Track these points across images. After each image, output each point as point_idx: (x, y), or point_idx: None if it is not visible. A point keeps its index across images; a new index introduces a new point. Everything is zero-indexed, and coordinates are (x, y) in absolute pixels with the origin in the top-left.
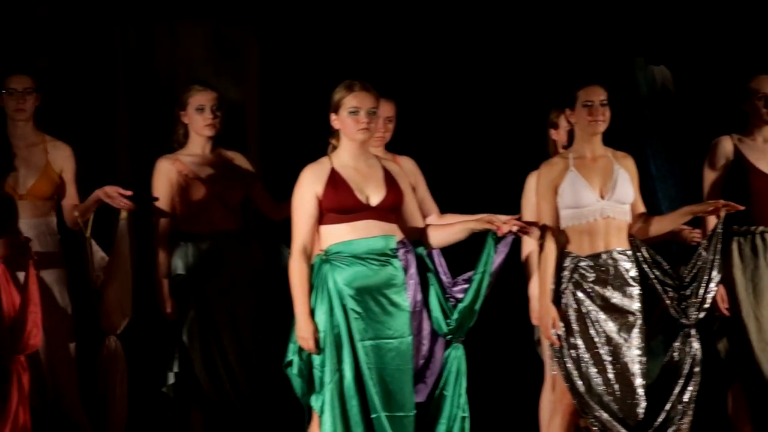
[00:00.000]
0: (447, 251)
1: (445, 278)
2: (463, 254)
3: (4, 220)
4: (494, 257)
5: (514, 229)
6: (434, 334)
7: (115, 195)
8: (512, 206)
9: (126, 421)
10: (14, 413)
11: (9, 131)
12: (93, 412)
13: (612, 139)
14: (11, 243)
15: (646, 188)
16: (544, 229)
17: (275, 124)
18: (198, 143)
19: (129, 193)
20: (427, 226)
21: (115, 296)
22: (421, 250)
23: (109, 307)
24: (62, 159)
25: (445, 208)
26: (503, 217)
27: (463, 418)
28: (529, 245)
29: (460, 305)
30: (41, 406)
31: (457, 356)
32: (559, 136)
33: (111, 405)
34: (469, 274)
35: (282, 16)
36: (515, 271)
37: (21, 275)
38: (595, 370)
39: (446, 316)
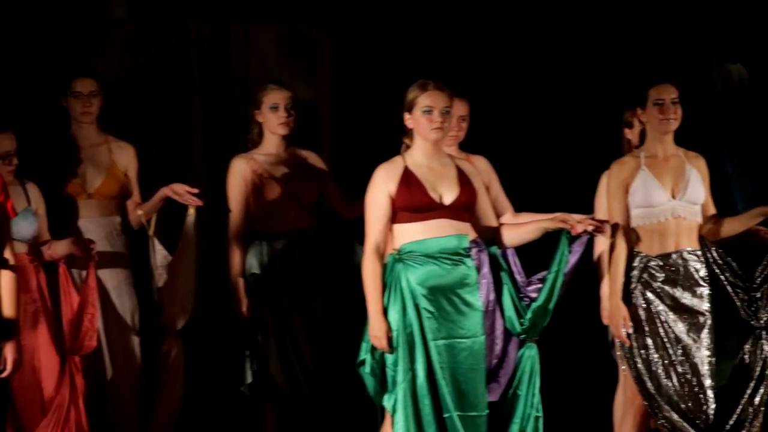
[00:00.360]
0: (521, 250)
1: (520, 277)
2: (538, 253)
3: (67, 221)
4: (568, 257)
5: (589, 228)
6: (507, 334)
7: (182, 192)
8: (586, 205)
9: (176, 420)
10: (66, 412)
11: (74, 132)
12: (145, 409)
13: (688, 139)
14: (75, 244)
15: (722, 188)
16: (614, 228)
17: (348, 123)
18: (272, 142)
19: (196, 190)
20: (501, 225)
21: (178, 292)
22: (494, 249)
23: (170, 303)
24: (127, 159)
25: (519, 207)
26: (577, 216)
27: (537, 417)
28: (602, 245)
29: (534, 304)
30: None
31: (530, 356)
32: (633, 135)
33: (169, 401)
34: (544, 273)
35: (355, 15)
36: (589, 270)
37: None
38: (665, 370)
39: (520, 315)
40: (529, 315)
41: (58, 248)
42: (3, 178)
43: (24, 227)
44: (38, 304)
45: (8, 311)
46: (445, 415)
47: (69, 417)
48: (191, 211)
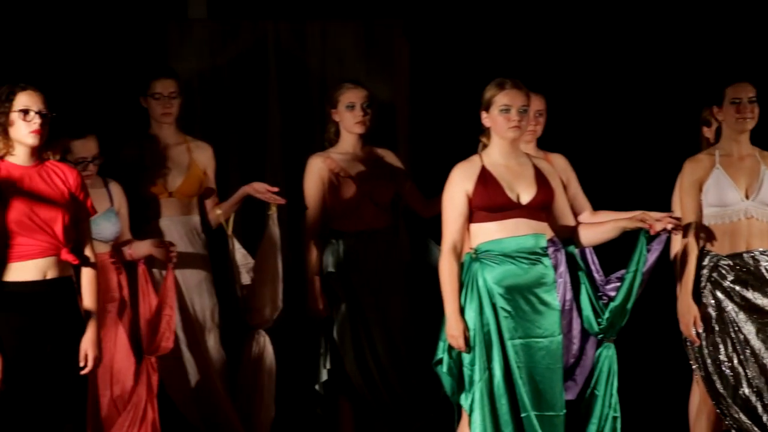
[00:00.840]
0: (599, 249)
1: (598, 276)
2: (616, 252)
3: (147, 220)
4: (647, 255)
5: (668, 226)
6: (584, 333)
7: (263, 190)
8: (664, 203)
9: (273, 417)
10: (143, 412)
11: (154, 132)
12: (239, 409)
13: (765, 139)
14: (155, 246)
15: None
16: (687, 227)
17: (425, 121)
18: (349, 141)
19: (276, 189)
20: (579, 224)
21: (266, 289)
22: (571, 248)
23: (260, 301)
24: (205, 158)
25: (597, 206)
26: (656, 215)
27: (615, 418)
28: (679, 244)
29: (612, 304)
30: (184, 406)
31: (608, 355)
32: (711, 133)
33: (259, 402)
34: (622, 272)
35: (432, 13)
36: (666, 270)
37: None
38: (734, 371)
39: (597, 314)
40: (606, 314)
41: (139, 249)
42: (83, 177)
43: (106, 227)
44: (118, 303)
45: (89, 308)
46: (523, 415)
47: (146, 417)
48: (273, 209)
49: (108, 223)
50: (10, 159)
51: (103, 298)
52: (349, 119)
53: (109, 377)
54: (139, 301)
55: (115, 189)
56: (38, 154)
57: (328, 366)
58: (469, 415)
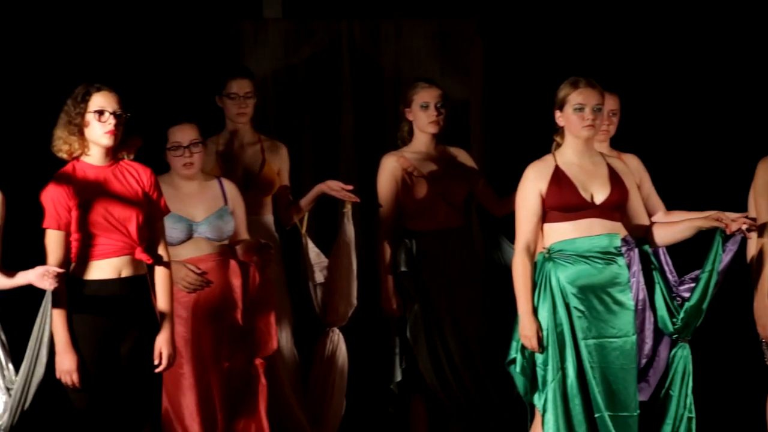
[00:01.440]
0: (673, 249)
1: (672, 277)
2: (691, 252)
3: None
4: (722, 256)
5: (743, 227)
6: (657, 333)
7: (338, 188)
8: (740, 203)
9: (343, 415)
10: (253, 416)
11: (228, 131)
12: (310, 407)
13: None
14: (256, 246)
15: None
16: (762, 227)
17: (499, 120)
18: (422, 140)
19: (350, 187)
20: (653, 224)
21: (341, 287)
22: (646, 248)
23: (334, 299)
24: (279, 158)
25: (670, 206)
26: (732, 215)
27: (690, 419)
28: (755, 244)
29: (687, 304)
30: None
31: (683, 356)
32: None
33: (329, 400)
34: (697, 272)
35: (506, 11)
36: (742, 270)
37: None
38: None
39: (672, 315)
40: (681, 315)
41: (245, 250)
42: (156, 176)
43: (218, 226)
44: (226, 304)
45: (163, 307)
46: (596, 415)
47: (254, 418)
48: (348, 207)
49: (220, 221)
50: (85, 159)
51: (217, 299)
52: (423, 118)
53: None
54: (244, 302)
55: (229, 188)
56: (113, 153)
57: (402, 365)
58: (542, 415)
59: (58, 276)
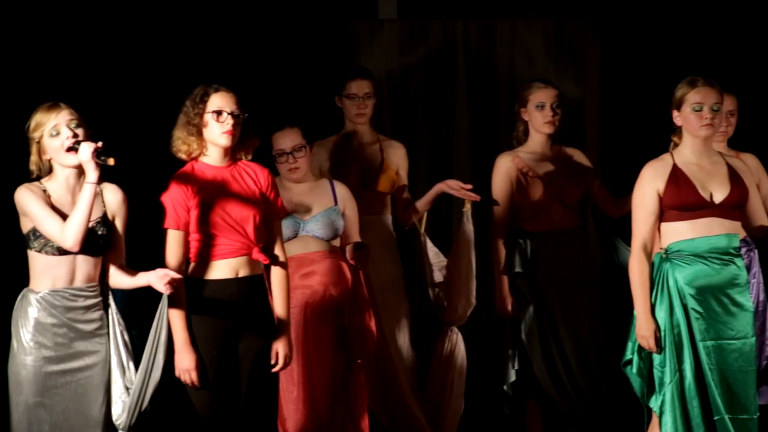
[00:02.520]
0: None
1: None
2: None
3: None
4: None
5: None
6: None
7: (458, 187)
8: None
9: (462, 415)
10: (353, 417)
11: (347, 131)
12: (429, 407)
13: None
14: (354, 245)
15: None
16: None
17: (615, 120)
18: (538, 140)
19: (470, 186)
20: None
21: (460, 286)
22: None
23: (453, 298)
24: (398, 158)
25: None
26: None
27: None
28: None
29: None
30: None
31: None
32: None
33: (448, 399)
34: None
35: (622, 11)
36: None
37: None
38: None
39: None
40: None
41: (348, 251)
42: (274, 177)
43: (326, 224)
44: (333, 303)
45: (280, 307)
46: (716, 418)
47: (355, 419)
48: (467, 206)
49: (328, 220)
50: (203, 159)
51: (324, 297)
52: (539, 119)
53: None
54: (348, 303)
55: (340, 190)
56: (231, 154)
57: (516, 366)
58: (659, 418)
59: (176, 281)
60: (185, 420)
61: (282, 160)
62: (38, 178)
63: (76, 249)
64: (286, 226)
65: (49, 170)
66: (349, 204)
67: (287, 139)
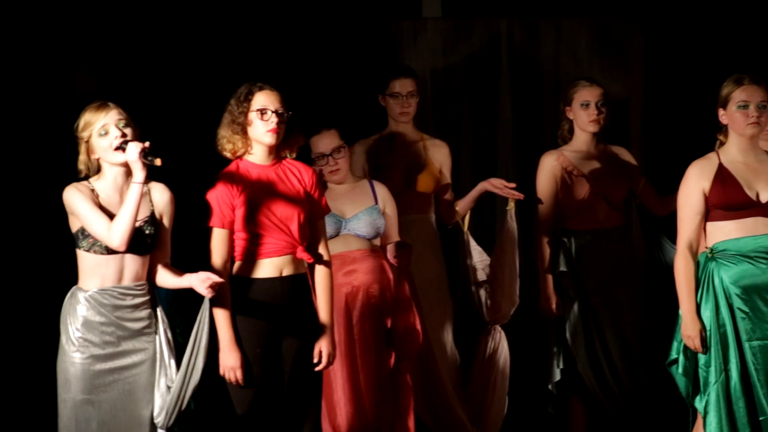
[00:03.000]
0: None
1: None
2: None
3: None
4: None
5: None
6: None
7: (501, 186)
8: None
9: (505, 414)
10: (399, 417)
11: (391, 130)
12: (472, 405)
13: None
14: (396, 245)
15: None
16: None
17: (660, 119)
18: (582, 139)
19: (513, 185)
20: None
21: (504, 285)
22: None
23: (497, 297)
24: (441, 156)
25: None
26: None
27: None
28: None
29: None
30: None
31: None
32: None
33: (491, 398)
34: None
35: (667, 10)
36: None
37: None
38: None
39: None
40: None
41: (390, 250)
42: (318, 176)
43: (367, 223)
44: (376, 302)
45: (322, 306)
46: (761, 418)
47: (401, 419)
48: (511, 205)
49: (370, 218)
50: (248, 158)
51: (367, 296)
52: (584, 117)
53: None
54: (391, 303)
55: (380, 189)
56: (276, 152)
57: (561, 366)
58: (704, 418)
59: (217, 284)
60: (229, 418)
61: (322, 163)
62: (86, 178)
63: (122, 249)
64: (328, 225)
65: (98, 169)
66: (389, 204)
67: (325, 142)
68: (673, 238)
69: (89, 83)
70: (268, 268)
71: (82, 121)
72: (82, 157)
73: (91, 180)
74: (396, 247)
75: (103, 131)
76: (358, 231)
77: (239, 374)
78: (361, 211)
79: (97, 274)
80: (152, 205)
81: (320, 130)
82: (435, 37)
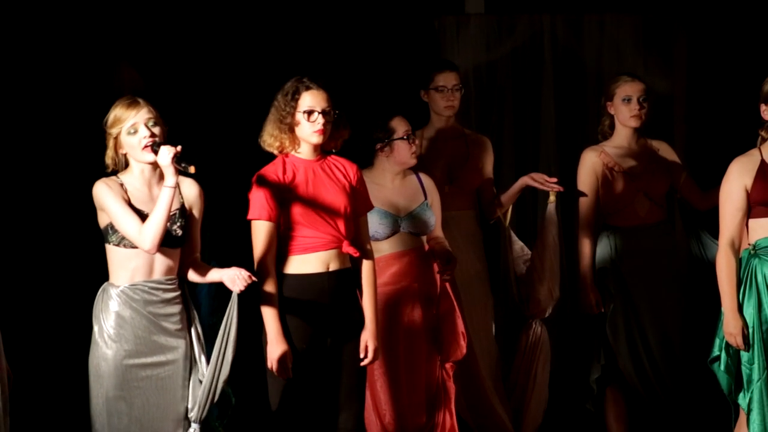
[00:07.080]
0: None
1: None
2: None
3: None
4: None
5: None
6: None
7: (542, 180)
8: None
9: (546, 409)
10: (442, 419)
11: (434, 125)
12: (512, 399)
13: None
14: (443, 256)
15: None
16: None
17: (703, 114)
18: (624, 135)
19: (555, 179)
20: None
21: (545, 279)
22: None
23: (538, 291)
24: (484, 151)
25: None
26: None
27: None
28: None
29: None
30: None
31: None
32: None
33: (531, 392)
34: None
35: (710, 6)
36: None
37: None
38: None
39: None
40: None
41: (439, 263)
42: (361, 172)
43: (421, 221)
44: (424, 298)
45: (368, 300)
46: None
47: (445, 422)
48: (552, 199)
49: (423, 216)
50: (294, 153)
51: (416, 293)
52: (625, 112)
53: (414, 374)
54: (437, 302)
55: (428, 182)
56: (321, 148)
57: (602, 362)
58: (747, 415)
59: (247, 280)
60: (266, 413)
61: (410, 141)
62: (114, 172)
63: (153, 252)
64: (385, 224)
65: (125, 164)
66: (435, 196)
67: (405, 123)
68: (714, 232)
69: (135, 79)
70: (314, 262)
71: (111, 117)
72: (110, 152)
73: (119, 174)
74: (443, 262)
75: (132, 130)
76: (412, 229)
77: (286, 367)
78: (415, 209)
79: (128, 268)
80: (182, 198)
81: (397, 114)
82: (478, 33)
